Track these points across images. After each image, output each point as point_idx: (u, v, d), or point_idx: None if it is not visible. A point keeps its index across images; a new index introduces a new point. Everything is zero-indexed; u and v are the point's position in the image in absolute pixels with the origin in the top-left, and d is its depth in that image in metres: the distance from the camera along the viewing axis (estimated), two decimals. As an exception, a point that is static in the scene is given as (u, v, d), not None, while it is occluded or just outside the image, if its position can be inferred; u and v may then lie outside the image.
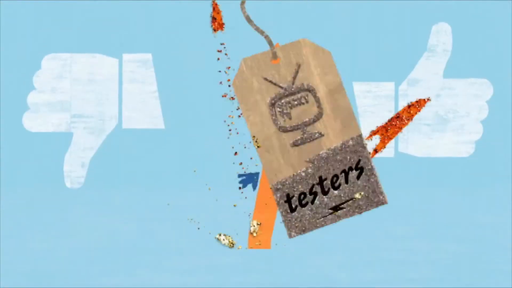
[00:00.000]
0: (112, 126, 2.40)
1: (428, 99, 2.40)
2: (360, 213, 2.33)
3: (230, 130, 2.33)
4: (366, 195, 2.32)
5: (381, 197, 2.33)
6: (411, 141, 2.39)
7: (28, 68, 2.45)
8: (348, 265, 2.25)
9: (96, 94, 2.43)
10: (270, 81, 2.32)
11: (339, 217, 2.31)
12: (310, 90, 2.32)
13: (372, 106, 2.39)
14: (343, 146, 2.33)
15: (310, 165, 2.32)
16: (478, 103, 2.41)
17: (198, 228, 2.31)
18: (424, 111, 2.41)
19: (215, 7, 2.29)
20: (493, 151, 2.41)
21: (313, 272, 2.25)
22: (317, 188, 2.32)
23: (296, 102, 2.31)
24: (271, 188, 2.30)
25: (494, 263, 2.36)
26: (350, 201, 2.32)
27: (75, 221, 2.41)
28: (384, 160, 2.41)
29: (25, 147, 2.43)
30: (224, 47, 2.33)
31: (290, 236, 2.32)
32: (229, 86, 2.29)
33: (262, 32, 2.32)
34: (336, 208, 2.33)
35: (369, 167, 2.33)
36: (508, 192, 2.38)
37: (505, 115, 2.42)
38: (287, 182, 2.32)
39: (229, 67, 2.31)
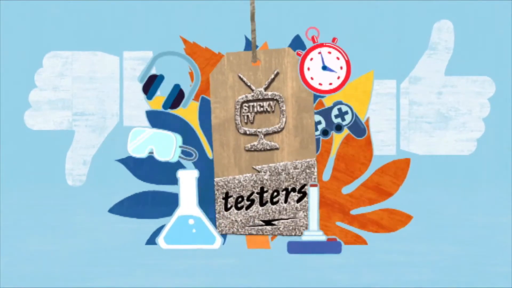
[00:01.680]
0: (113, 124, 2.41)
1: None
2: (287, 235, 2.32)
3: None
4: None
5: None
6: (413, 139, 2.38)
7: (30, 66, 2.45)
8: (348, 267, 2.25)
9: (97, 92, 2.43)
10: (244, 81, 2.31)
11: (266, 232, 2.33)
12: (279, 101, 2.30)
13: (373, 103, 2.37)
14: (294, 166, 2.30)
15: (256, 173, 2.31)
16: (480, 100, 2.40)
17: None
18: (426, 109, 2.40)
19: None
20: (494, 149, 2.41)
21: (313, 274, 2.25)
22: (256, 197, 2.32)
23: (262, 109, 2.30)
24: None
25: (494, 264, 2.35)
26: (283, 220, 2.31)
27: (76, 219, 2.42)
28: (385, 158, 2.40)
29: (27, 145, 2.43)
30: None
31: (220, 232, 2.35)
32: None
33: (253, 31, 2.32)
34: (268, 222, 2.32)
35: (313, 196, 2.33)
36: (508, 190, 2.38)
37: (507, 113, 2.41)
38: (230, 182, 2.31)
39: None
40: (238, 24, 2.35)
